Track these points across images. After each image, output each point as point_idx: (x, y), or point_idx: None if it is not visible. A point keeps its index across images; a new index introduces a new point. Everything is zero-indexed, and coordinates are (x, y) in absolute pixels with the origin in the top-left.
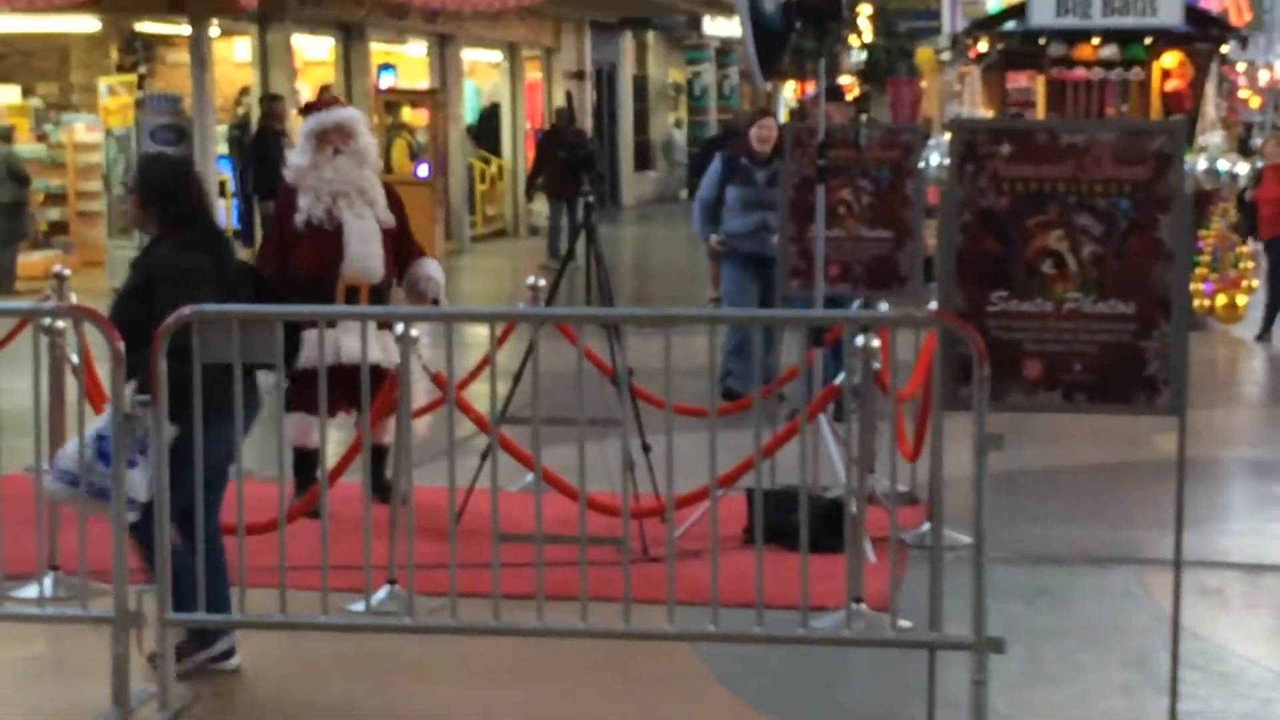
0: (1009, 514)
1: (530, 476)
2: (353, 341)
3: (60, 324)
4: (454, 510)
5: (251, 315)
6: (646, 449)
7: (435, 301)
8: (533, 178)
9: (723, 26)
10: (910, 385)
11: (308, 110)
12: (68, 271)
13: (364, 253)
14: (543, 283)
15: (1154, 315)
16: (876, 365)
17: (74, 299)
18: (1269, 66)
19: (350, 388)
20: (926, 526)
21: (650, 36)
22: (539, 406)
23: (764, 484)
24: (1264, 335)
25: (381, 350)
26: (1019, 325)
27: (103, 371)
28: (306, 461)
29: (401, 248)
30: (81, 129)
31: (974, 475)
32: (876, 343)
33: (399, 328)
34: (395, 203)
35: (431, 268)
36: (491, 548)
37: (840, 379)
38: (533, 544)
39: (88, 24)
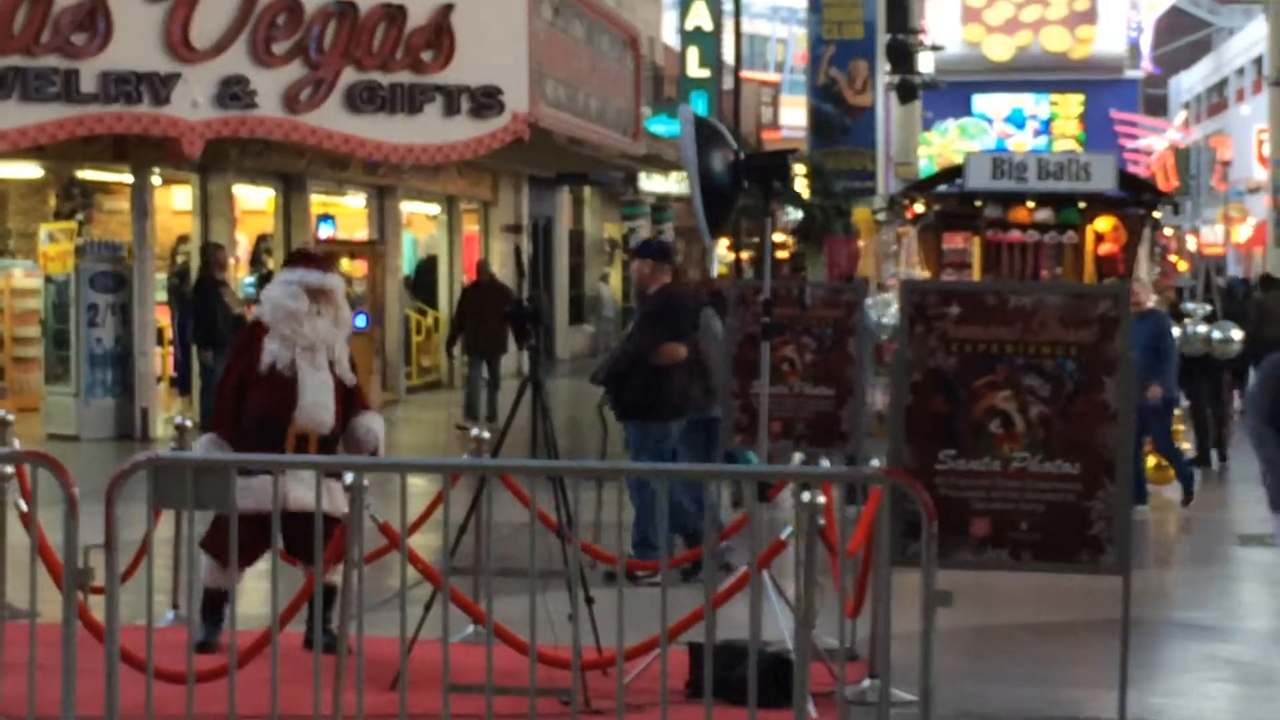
0: (951, 672)
1: (471, 627)
2: (299, 489)
3: (8, 469)
4: (404, 660)
5: (206, 463)
6: (590, 601)
7: (374, 452)
8: (454, 333)
9: (658, 184)
10: (854, 541)
11: (303, 261)
12: (11, 417)
13: (316, 402)
14: (486, 434)
15: (1099, 476)
16: (821, 521)
17: (16, 444)
18: (1195, 232)
19: (292, 535)
20: (867, 683)
21: (587, 192)
22: (486, 558)
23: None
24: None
25: (327, 498)
26: (967, 483)
27: (50, 517)
28: (215, 602)
29: (351, 402)
30: (20, 274)
31: (922, 632)
32: (822, 499)
33: (348, 477)
34: (350, 361)
35: (372, 420)
36: (439, 699)
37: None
38: (480, 695)
39: (29, 170)
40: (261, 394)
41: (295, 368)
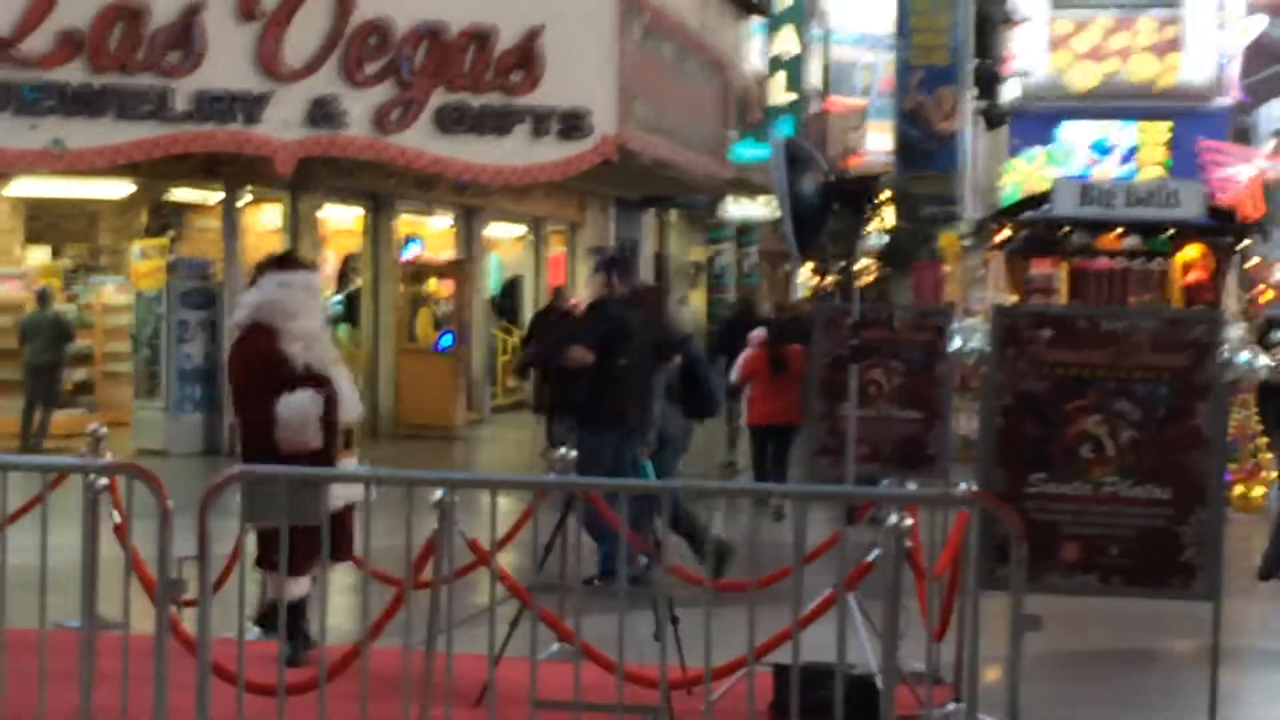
0: (1037, 696)
1: (556, 645)
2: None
3: (102, 481)
4: (492, 678)
5: (299, 477)
6: (675, 621)
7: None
8: (526, 361)
9: (744, 208)
10: (940, 564)
11: (291, 265)
12: (104, 430)
13: (353, 394)
14: (573, 453)
15: (1190, 501)
16: (908, 544)
17: (109, 457)
18: None
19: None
20: (952, 707)
21: (672, 215)
22: (575, 576)
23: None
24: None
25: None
26: (1057, 507)
27: (140, 530)
28: (293, 614)
29: None
30: (111, 290)
31: (1009, 656)
32: (910, 521)
33: (438, 493)
34: None
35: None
36: (525, 715)
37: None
38: (568, 712)
39: (121, 188)
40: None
41: (324, 364)
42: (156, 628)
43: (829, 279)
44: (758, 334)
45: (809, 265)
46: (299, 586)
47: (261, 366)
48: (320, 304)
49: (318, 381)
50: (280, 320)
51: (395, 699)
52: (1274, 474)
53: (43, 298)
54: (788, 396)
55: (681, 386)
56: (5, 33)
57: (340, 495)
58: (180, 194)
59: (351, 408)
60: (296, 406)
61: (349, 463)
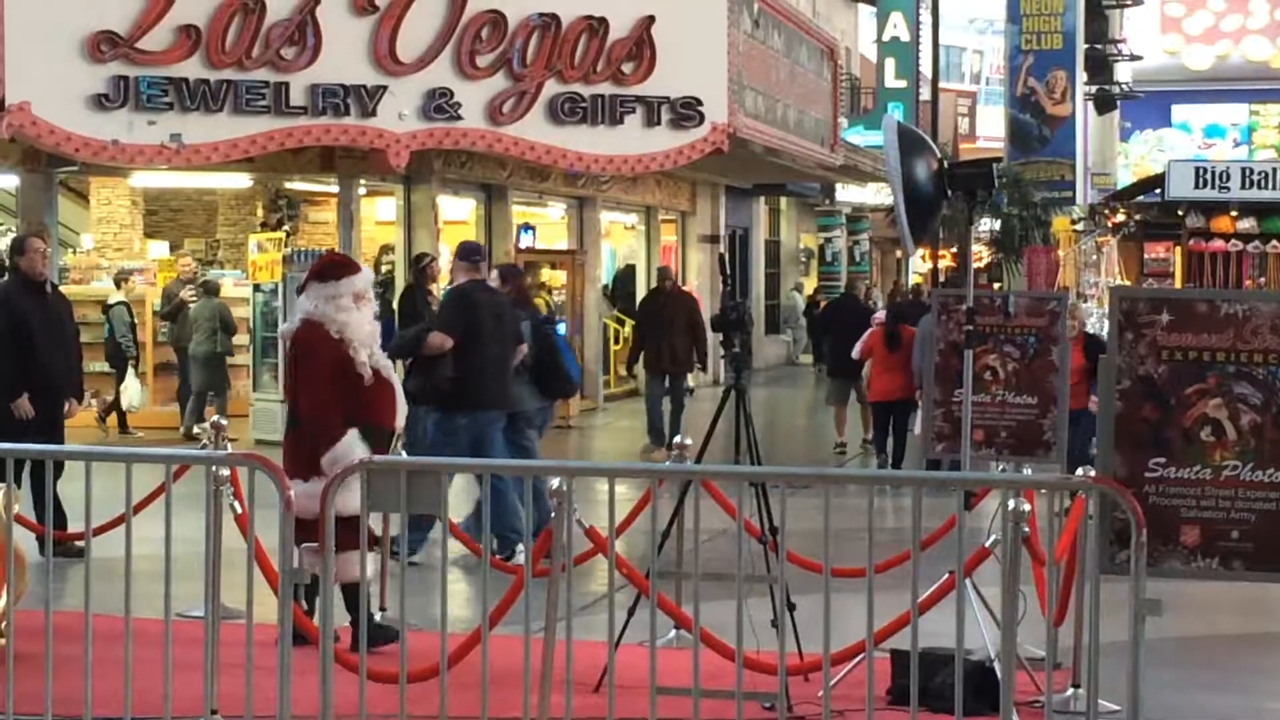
0: (1155, 682)
1: (673, 632)
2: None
3: (224, 472)
4: (611, 664)
5: (419, 466)
6: (792, 608)
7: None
8: (637, 349)
9: (854, 194)
10: (1059, 549)
11: (342, 269)
12: (224, 421)
13: (402, 400)
14: (689, 440)
15: None
16: (1025, 529)
17: (229, 448)
18: None
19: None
20: (1070, 692)
21: (783, 202)
22: (694, 563)
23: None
24: None
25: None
26: (1176, 492)
27: (267, 520)
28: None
29: None
30: (229, 283)
31: (1131, 640)
32: (1027, 506)
33: (554, 481)
34: None
35: None
36: (645, 701)
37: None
38: (687, 698)
39: (238, 181)
40: (378, 400)
41: (385, 368)
42: (279, 616)
43: (943, 265)
44: (878, 315)
45: (922, 251)
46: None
47: (331, 363)
48: (370, 306)
49: (383, 390)
50: (337, 330)
51: (515, 687)
52: None
53: (207, 289)
54: (903, 373)
55: (540, 367)
56: (124, 29)
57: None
58: (296, 187)
59: (401, 411)
60: (345, 449)
61: None
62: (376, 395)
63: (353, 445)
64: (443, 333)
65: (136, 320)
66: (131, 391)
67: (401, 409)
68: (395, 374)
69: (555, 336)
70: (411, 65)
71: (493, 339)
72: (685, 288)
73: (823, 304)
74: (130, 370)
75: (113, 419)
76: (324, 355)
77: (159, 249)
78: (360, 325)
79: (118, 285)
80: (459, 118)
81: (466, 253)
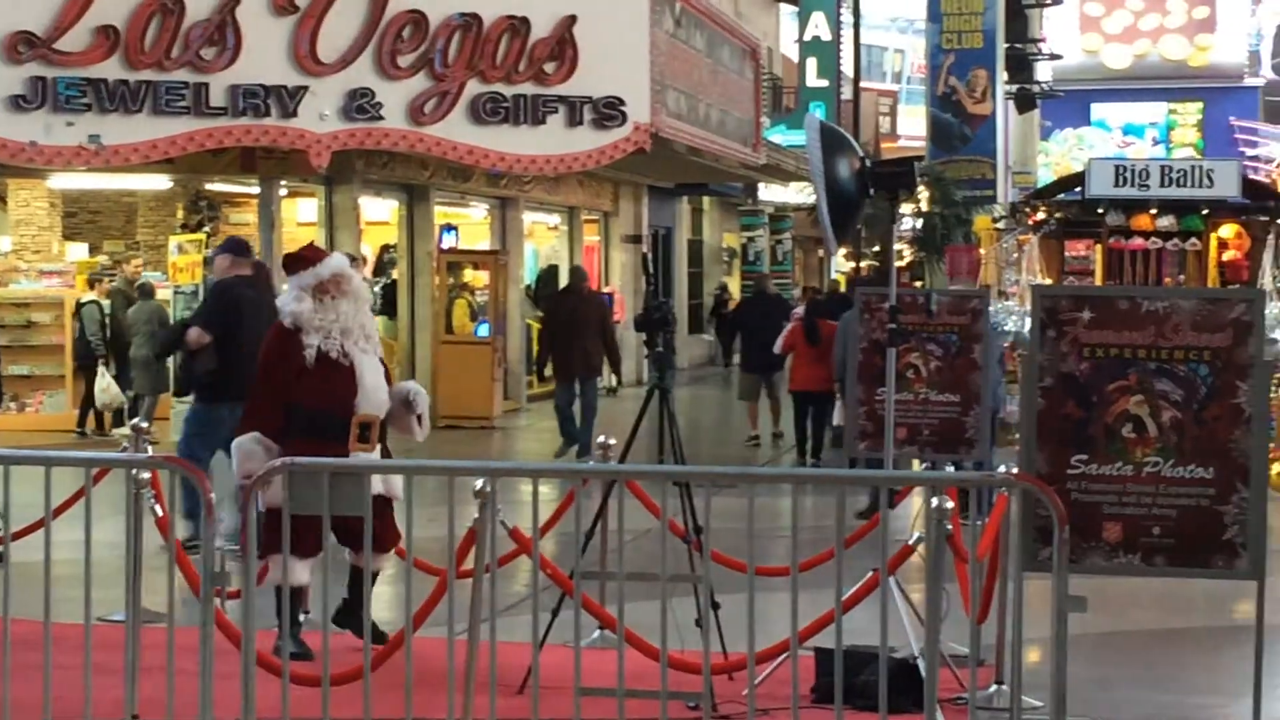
0: (1080, 678)
1: (597, 632)
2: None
3: (145, 475)
4: (535, 666)
5: (342, 467)
6: (716, 607)
7: (420, 417)
8: (545, 351)
9: (777, 193)
10: (981, 546)
11: (298, 264)
12: (145, 424)
13: (376, 385)
14: (613, 440)
15: (1232, 480)
16: (948, 527)
17: (151, 451)
18: None
19: (339, 525)
20: (994, 689)
21: (706, 202)
22: (618, 564)
23: (832, 643)
24: None
25: (383, 482)
26: (1099, 488)
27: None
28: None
29: (387, 378)
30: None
31: (1054, 637)
32: (950, 504)
33: (478, 482)
34: None
35: (411, 385)
36: (569, 703)
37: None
38: (611, 698)
39: (158, 182)
40: (317, 386)
41: (349, 357)
42: (202, 620)
43: (864, 264)
44: (798, 310)
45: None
46: (302, 573)
47: (267, 360)
48: (347, 297)
49: (328, 376)
50: (293, 321)
51: (438, 689)
52: None
53: (144, 291)
54: (823, 366)
55: None
56: (42, 30)
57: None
58: (217, 188)
59: (368, 401)
60: (242, 444)
61: (367, 457)
62: (322, 381)
63: (245, 445)
64: (201, 328)
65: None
66: (112, 391)
67: (370, 398)
68: (370, 363)
69: None
70: (332, 65)
71: (253, 333)
72: (609, 288)
73: (731, 303)
74: (102, 369)
75: (100, 420)
76: (269, 344)
77: (78, 251)
78: (321, 314)
79: (91, 285)
80: (380, 118)
81: (232, 247)
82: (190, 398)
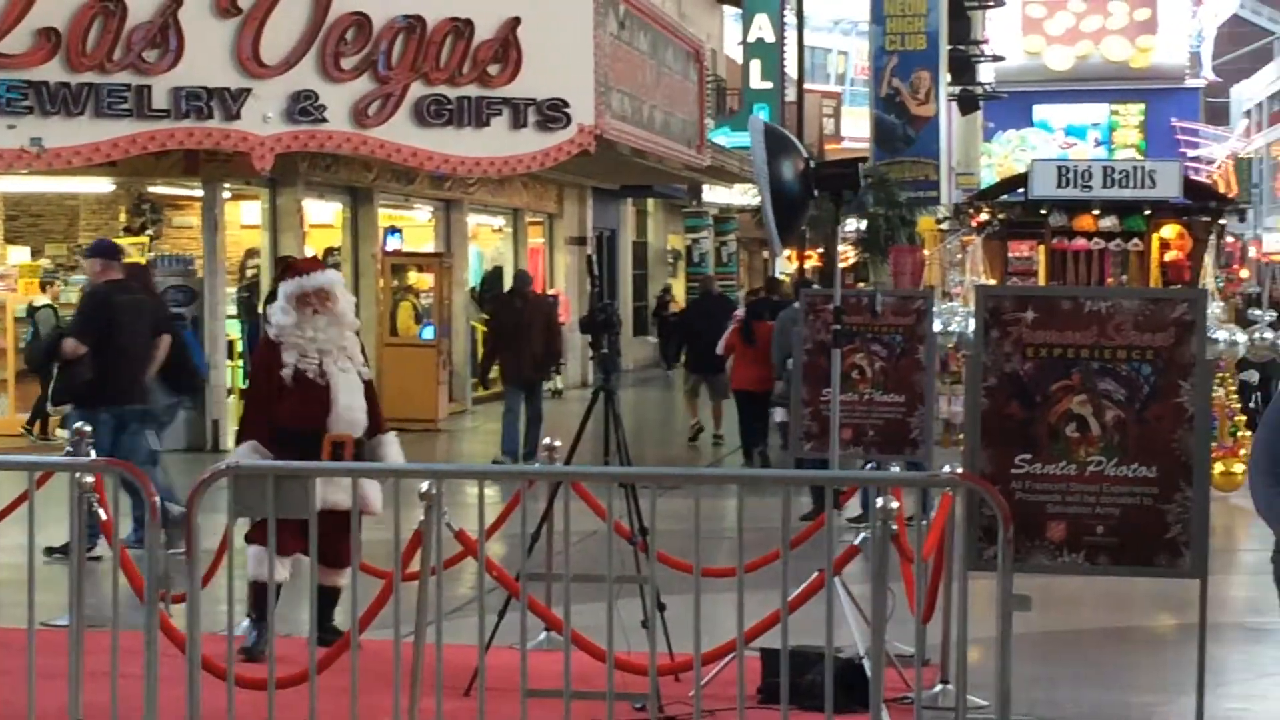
0: (1024, 677)
1: (544, 634)
2: (330, 491)
3: (88, 479)
4: (481, 667)
5: (287, 471)
6: (663, 608)
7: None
8: (490, 357)
9: (721, 195)
10: (926, 546)
11: (289, 271)
12: (89, 428)
13: (349, 405)
14: (559, 442)
15: (1175, 479)
16: (894, 527)
17: (94, 454)
18: (1257, 240)
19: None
20: (939, 688)
21: (650, 204)
22: (563, 565)
23: (778, 644)
24: None
25: (345, 494)
26: (1042, 488)
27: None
28: (261, 598)
29: (371, 398)
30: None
31: (999, 636)
32: (896, 504)
33: (424, 485)
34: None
35: (389, 446)
36: (516, 704)
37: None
38: (557, 700)
39: (100, 185)
40: (291, 404)
41: (324, 374)
42: (146, 624)
43: (808, 265)
44: (738, 312)
45: (788, 251)
46: (278, 570)
47: (256, 370)
48: (320, 305)
49: (302, 393)
50: (277, 335)
51: (385, 690)
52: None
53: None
54: (761, 366)
55: (169, 364)
56: None
57: (329, 498)
58: (160, 191)
59: (343, 419)
60: (241, 452)
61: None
62: (298, 399)
63: (243, 454)
64: (75, 339)
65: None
66: None
67: (343, 418)
68: (348, 383)
69: (183, 332)
70: (275, 67)
71: (130, 337)
72: (554, 291)
73: (674, 305)
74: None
75: (45, 424)
76: (257, 354)
77: (19, 254)
78: (300, 327)
79: (43, 289)
80: (324, 120)
81: (101, 251)
82: (68, 407)
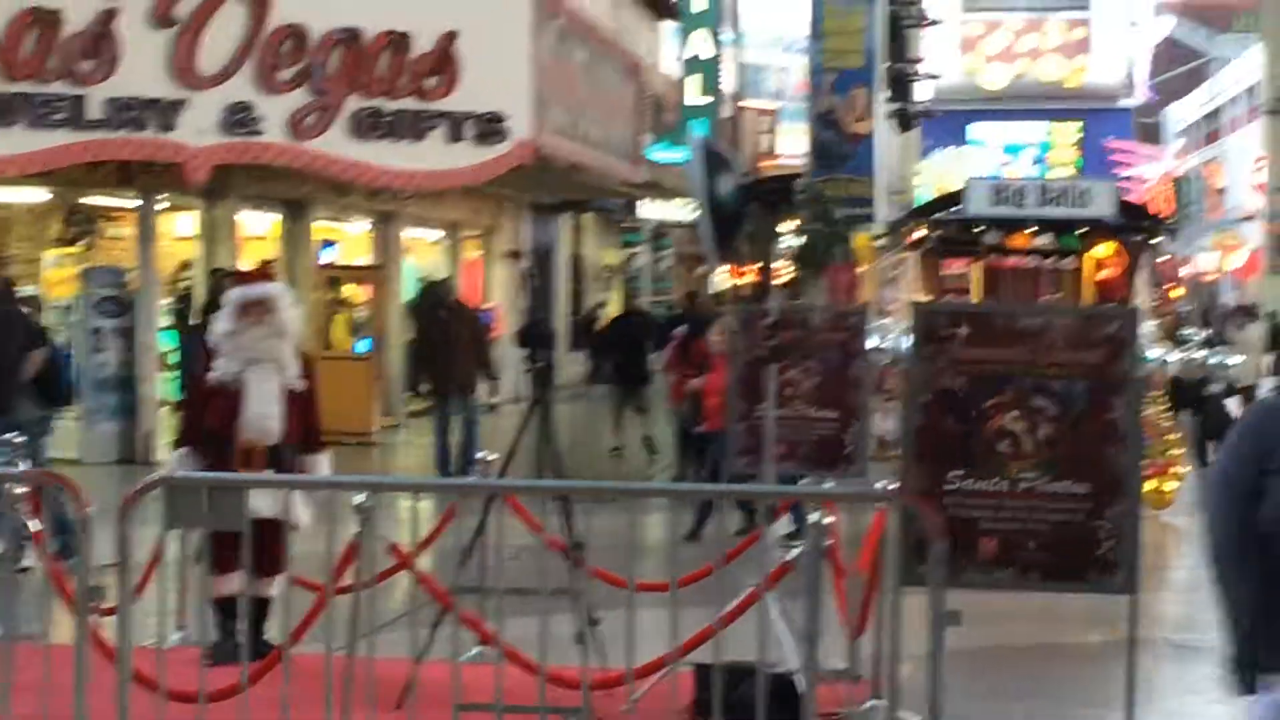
0: (956, 692)
1: (477, 648)
2: (257, 499)
3: (20, 489)
4: (414, 680)
5: (220, 482)
6: (595, 623)
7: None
8: (418, 369)
9: (658, 210)
10: (860, 562)
11: (238, 280)
12: (20, 439)
13: (260, 413)
14: (493, 455)
15: (1106, 495)
16: (828, 542)
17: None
18: (1190, 259)
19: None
20: (871, 703)
21: (587, 218)
22: (496, 579)
23: (711, 659)
24: None
25: (274, 504)
26: (975, 503)
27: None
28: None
29: (307, 408)
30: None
31: (930, 652)
32: (830, 519)
33: (358, 497)
34: (310, 378)
35: (321, 471)
36: (448, 718)
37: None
38: (489, 713)
39: (35, 195)
40: (212, 410)
41: (241, 381)
42: (76, 635)
43: (745, 280)
44: (679, 330)
45: (725, 267)
46: (229, 584)
47: (193, 375)
48: (259, 316)
49: (221, 400)
50: (213, 340)
51: (317, 704)
52: (1182, 470)
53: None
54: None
55: (39, 376)
56: None
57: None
58: (94, 202)
59: (250, 426)
60: (175, 458)
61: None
62: (221, 405)
63: (179, 456)
64: None
65: None
66: None
67: (253, 424)
68: (263, 391)
69: (52, 346)
70: (211, 79)
71: (3, 346)
72: (490, 304)
73: (601, 321)
74: None
75: None
76: (199, 364)
77: None
78: (234, 336)
79: None
80: (260, 132)
81: None
82: None
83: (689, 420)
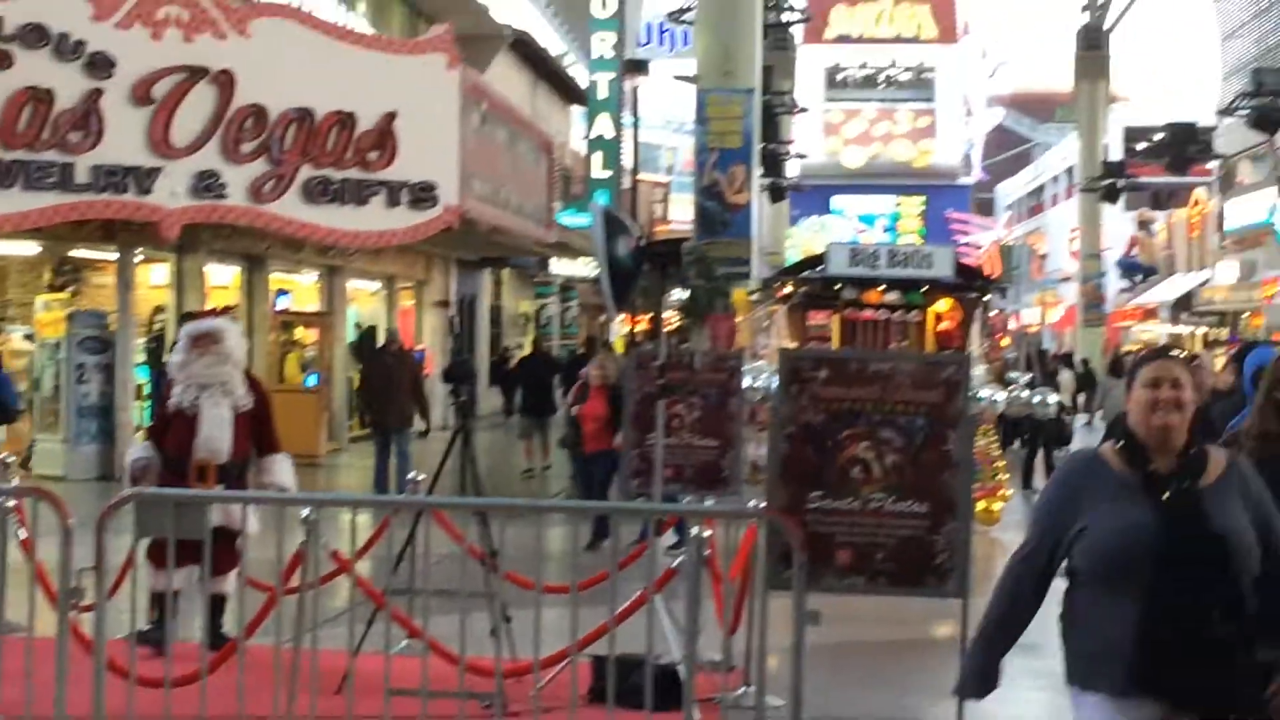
0: (817, 681)
1: (405, 641)
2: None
3: (10, 503)
4: (351, 670)
5: (186, 498)
6: (508, 619)
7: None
8: (366, 407)
9: (566, 266)
10: (734, 569)
11: (187, 318)
12: (11, 458)
13: (210, 435)
14: (422, 476)
15: (943, 514)
16: (706, 552)
17: (16, 482)
18: (1016, 314)
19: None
20: (742, 690)
21: (506, 273)
22: (423, 581)
23: (606, 651)
24: None
25: (224, 515)
26: (832, 520)
27: (48, 546)
28: (158, 603)
29: (260, 428)
30: (17, 338)
31: (792, 646)
32: (709, 533)
33: (304, 511)
34: (261, 396)
35: (281, 467)
36: (380, 702)
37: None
38: (416, 699)
39: (28, 248)
40: (172, 432)
41: (196, 407)
42: (58, 629)
43: (639, 328)
44: (586, 370)
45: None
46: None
47: (158, 397)
48: (207, 347)
49: (176, 425)
50: (171, 371)
51: (267, 689)
52: (1009, 492)
53: None
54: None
55: None
56: None
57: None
58: (80, 254)
59: (203, 446)
60: (131, 456)
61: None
62: (176, 428)
63: (133, 451)
64: None
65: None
66: None
67: (205, 445)
68: (215, 415)
69: None
70: (184, 150)
71: None
72: (420, 346)
73: (513, 362)
74: None
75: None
76: (165, 385)
77: None
78: (184, 365)
79: None
80: (225, 196)
81: None
82: None
83: (572, 443)
